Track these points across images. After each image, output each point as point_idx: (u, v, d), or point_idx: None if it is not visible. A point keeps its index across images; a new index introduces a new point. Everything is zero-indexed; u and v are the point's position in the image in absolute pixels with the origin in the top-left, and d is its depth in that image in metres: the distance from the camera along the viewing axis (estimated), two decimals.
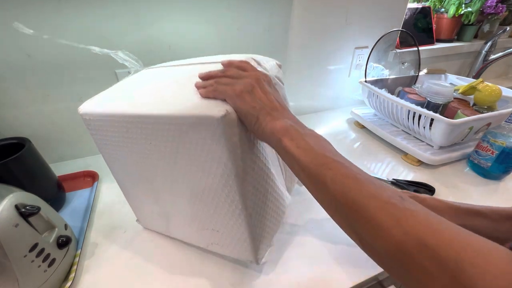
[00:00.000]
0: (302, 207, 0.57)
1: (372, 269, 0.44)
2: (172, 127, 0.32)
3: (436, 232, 0.19)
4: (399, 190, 0.25)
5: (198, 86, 0.33)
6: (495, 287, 0.16)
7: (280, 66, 0.47)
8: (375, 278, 0.45)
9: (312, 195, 0.28)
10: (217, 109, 0.29)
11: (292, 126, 0.29)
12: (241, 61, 0.35)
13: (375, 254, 0.23)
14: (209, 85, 0.32)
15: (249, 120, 0.30)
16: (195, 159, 0.33)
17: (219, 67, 0.37)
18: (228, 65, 0.35)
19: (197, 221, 0.42)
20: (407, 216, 0.20)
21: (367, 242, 0.23)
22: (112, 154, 0.41)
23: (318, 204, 0.28)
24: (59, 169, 0.65)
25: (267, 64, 0.43)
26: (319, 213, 0.57)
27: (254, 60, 0.41)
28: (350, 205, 0.23)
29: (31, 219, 0.37)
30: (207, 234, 0.43)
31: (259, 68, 0.38)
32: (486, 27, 1.26)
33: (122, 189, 0.48)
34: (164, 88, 0.37)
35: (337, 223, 0.26)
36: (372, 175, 0.66)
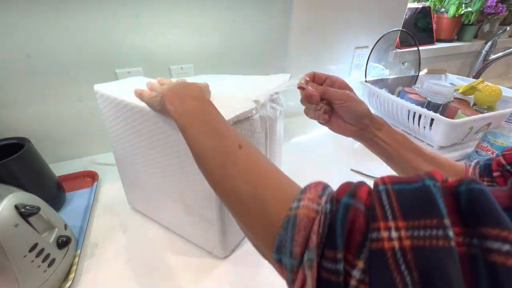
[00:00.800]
0: None
1: None
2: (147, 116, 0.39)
3: (246, 173, 0.24)
4: (245, 139, 0.28)
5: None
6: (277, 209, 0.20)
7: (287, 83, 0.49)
8: None
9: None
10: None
11: (178, 92, 0.33)
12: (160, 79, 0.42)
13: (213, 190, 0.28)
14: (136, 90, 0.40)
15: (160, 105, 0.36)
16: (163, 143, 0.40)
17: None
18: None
19: (178, 208, 0.47)
20: (233, 162, 0.25)
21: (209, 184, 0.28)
22: (116, 131, 0.46)
23: None
24: (59, 169, 0.65)
25: (272, 82, 0.47)
26: None
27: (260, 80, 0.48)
28: (199, 155, 0.28)
29: (31, 219, 0.37)
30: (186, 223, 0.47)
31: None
32: (486, 27, 1.26)
33: (119, 166, 0.53)
34: None
35: None
36: (372, 175, 0.67)
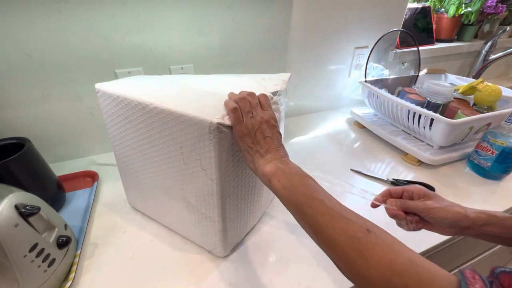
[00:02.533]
0: None
1: None
2: (167, 120, 0.38)
3: (391, 263, 0.24)
4: (369, 221, 0.28)
5: (225, 102, 0.38)
6: None
7: (287, 82, 0.50)
8: None
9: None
10: (209, 117, 0.34)
11: (280, 168, 0.34)
12: (262, 95, 0.40)
13: (350, 280, 0.27)
14: (232, 109, 0.36)
15: (245, 157, 0.37)
16: (182, 152, 0.39)
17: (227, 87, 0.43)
18: (246, 96, 0.38)
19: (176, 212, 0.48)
20: (369, 249, 0.25)
21: (342, 271, 0.27)
22: (116, 129, 0.46)
23: None
24: (59, 169, 0.65)
25: (270, 83, 0.48)
26: None
27: (262, 79, 0.48)
28: (326, 241, 0.28)
29: (31, 219, 0.37)
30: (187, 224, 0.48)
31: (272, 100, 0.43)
32: (486, 27, 1.26)
33: (119, 165, 0.53)
34: (173, 90, 0.44)
35: None
36: (372, 175, 0.67)
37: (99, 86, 0.44)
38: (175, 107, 0.36)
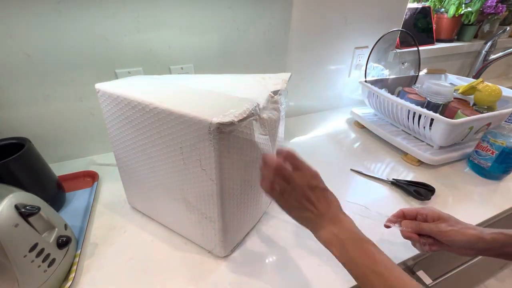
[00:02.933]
0: None
1: None
2: (167, 121, 0.38)
3: None
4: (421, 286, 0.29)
5: (261, 183, 0.39)
6: None
7: (287, 82, 0.50)
8: None
9: None
10: (208, 117, 0.34)
11: (333, 234, 0.34)
12: (288, 154, 0.38)
13: None
14: (269, 190, 0.38)
15: (302, 224, 0.38)
16: (181, 152, 0.39)
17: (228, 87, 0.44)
18: (277, 169, 0.37)
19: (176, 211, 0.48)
20: None
21: None
22: (116, 130, 0.46)
23: None
24: (59, 169, 0.65)
25: (270, 83, 0.48)
26: None
27: (263, 78, 0.48)
28: None
29: (31, 219, 0.37)
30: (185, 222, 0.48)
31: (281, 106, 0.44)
32: (486, 27, 1.26)
33: (119, 165, 0.53)
34: (174, 90, 0.44)
35: None
36: (372, 175, 0.67)
37: (99, 86, 0.44)
38: (174, 107, 0.36)
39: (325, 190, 0.38)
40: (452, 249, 0.40)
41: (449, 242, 0.39)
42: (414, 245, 0.43)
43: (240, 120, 0.36)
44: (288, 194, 0.36)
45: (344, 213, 0.37)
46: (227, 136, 0.35)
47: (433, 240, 0.41)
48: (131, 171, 0.50)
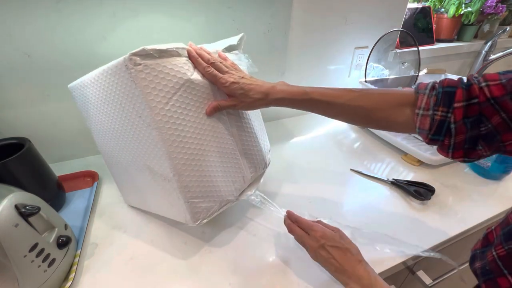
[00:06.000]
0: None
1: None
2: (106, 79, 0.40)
3: None
4: None
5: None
6: None
7: (239, 40, 0.53)
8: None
9: None
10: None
11: None
12: (300, 223, 0.44)
13: None
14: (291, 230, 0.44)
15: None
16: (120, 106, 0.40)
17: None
18: (293, 226, 0.44)
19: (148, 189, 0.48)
20: None
21: None
22: (89, 123, 0.48)
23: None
24: (59, 169, 0.65)
25: (223, 42, 0.50)
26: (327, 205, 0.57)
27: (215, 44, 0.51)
28: None
29: (31, 219, 0.37)
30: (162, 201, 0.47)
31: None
32: (486, 27, 1.26)
33: (106, 163, 0.54)
34: None
35: None
36: (372, 175, 0.67)
37: (71, 85, 0.47)
38: (106, 66, 0.39)
39: (333, 246, 0.39)
40: (237, 101, 0.44)
41: (225, 90, 0.43)
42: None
43: (158, 52, 0.36)
44: (311, 255, 0.41)
45: (364, 265, 0.38)
46: (147, 70, 0.35)
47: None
48: (110, 162, 0.51)
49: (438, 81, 0.36)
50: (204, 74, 0.42)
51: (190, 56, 0.41)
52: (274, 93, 0.44)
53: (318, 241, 0.40)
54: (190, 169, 0.41)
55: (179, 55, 0.40)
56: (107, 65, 0.39)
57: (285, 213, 0.47)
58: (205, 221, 0.44)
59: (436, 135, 0.35)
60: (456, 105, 0.32)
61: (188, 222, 0.44)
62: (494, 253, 0.32)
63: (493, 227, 0.36)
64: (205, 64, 0.41)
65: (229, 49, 0.48)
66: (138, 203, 0.56)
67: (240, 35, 0.54)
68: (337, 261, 0.38)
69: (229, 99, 0.44)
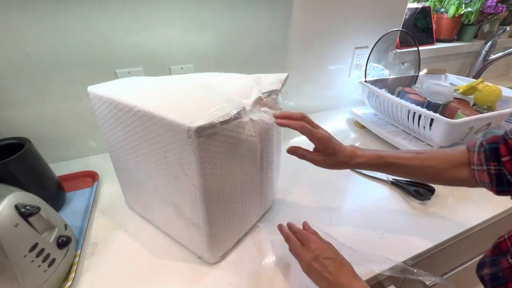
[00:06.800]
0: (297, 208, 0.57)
1: (371, 269, 0.44)
2: (151, 124, 0.37)
3: None
4: None
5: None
6: None
7: (283, 82, 0.49)
8: (375, 278, 0.45)
9: None
10: (192, 120, 0.33)
11: None
12: (297, 234, 0.43)
13: None
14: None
15: None
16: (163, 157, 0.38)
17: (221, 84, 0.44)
18: (290, 235, 0.44)
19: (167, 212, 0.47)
20: None
21: None
22: (108, 132, 0.46)
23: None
24: (59, 169, 0.65)
25: (266, 82, 0.47)
26: (320, 214, 0.57)
27: (258, 78, 0.48)
28: None
29: (31, 219, 0.37)
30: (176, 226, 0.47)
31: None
32: (486, 27, 1.26)
33: (115, 168, 0.53)
34: (163, 91, 0.43)
35: None
36: (372, 175, 0.67)
37: (91, 88, 0.44)
38: (156, 110, 0.35)
39: (327, 258, 0.38)
40: (324, 158, 0.45)
41: (310, 137, 0.44)
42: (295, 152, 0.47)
43: (222, 123, 0.34)
44: (303, 267, 0.40)
45: (358, 280, 0.37)
46: (207, 140, 0.33)
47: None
48: (126, 173, 0.50)
49: (484, 138, 0.41)
50: (300, 129, 0.43)
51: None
52: (356, 157, 0.45)
53: (313, 252, 0.39)
54: (221, 220, 0.43)
55: (237, 118, 0.37)
56: (157, 114, 0.35)
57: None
58: (226, 257, 0.47)
59: (500, 186, 0.38)
60: (503, 159, 0.37)
61: (206, 259, 0.46)
62: (510, 260, 0.33)
63: (506, 236, 0.36)
64: (299, 123, 0.43)
65: (270, 93, 0.45)
66: (144, 214, 0.55)
67: (285, 75, 0.49)
68: (331, 274, 0.36)
69: (316, 153, 0.45)
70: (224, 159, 0.37)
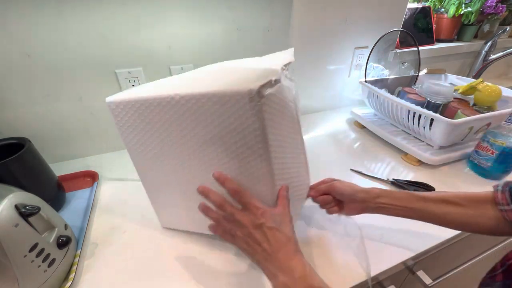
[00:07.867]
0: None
1: (372, 269, 0.44)
2: (198, 105, 0.33)
3: None
4: None
5: (209, 217, 0.39)
6: None
7: (292, 55, 0.48)
8: (375, 278, 0.45)
9: None
10: (245, 85, 0.30)
11: (284, 283, 0.31)
12: (241, 197, 0.36)
13: None
14: (216, 223, 0.39)
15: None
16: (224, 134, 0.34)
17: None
18: (222, 203, 0.37)
19: None
20: None
21: None
22: (138, 146, 0.42)
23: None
24: (59, 169, 0.65)
25: (280, 57, 0.45)
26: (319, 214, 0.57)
27: (270, 59, 0.46)
28: None
29: (31, 219, 0.37)
30: None
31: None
32: (486, 27, 1.26)
33: (146, 187, 0.48)
34: (193, 79, 0.41)
35: None
36: (372, 175, 0.67)
37: (111, 98, 0.40)
38: (202, 90, 0.32)
39: (272, 228, 0.34)
40: (345, 208, 0.47)
41: (336, 193, 0.46)
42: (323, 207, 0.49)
43: (276, 81, 0.32)
44: (237, 236, 0.35)
45: (299, 256, 0.33)
46: (267, 101, 0.31)
47: (331, 198, 0.48)
48: (162, 184, 0.46)
49: (509, 180, 0.40)
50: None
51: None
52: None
53: (258, 218, 0.34)
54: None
55: (279, 81, 0.35)
56: (207, 92, 0.32)
57: None
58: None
59: None
60: None
61: None
62: None
63: None
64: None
65: (287, 65, 0.43)
66: (187, 227, 0.51)
67: (292, 49, 0.49)
68: (271, 247, 0.32)
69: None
70: (282, 125, 0.35)
